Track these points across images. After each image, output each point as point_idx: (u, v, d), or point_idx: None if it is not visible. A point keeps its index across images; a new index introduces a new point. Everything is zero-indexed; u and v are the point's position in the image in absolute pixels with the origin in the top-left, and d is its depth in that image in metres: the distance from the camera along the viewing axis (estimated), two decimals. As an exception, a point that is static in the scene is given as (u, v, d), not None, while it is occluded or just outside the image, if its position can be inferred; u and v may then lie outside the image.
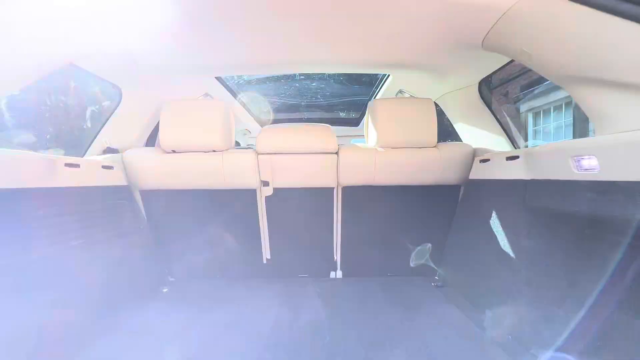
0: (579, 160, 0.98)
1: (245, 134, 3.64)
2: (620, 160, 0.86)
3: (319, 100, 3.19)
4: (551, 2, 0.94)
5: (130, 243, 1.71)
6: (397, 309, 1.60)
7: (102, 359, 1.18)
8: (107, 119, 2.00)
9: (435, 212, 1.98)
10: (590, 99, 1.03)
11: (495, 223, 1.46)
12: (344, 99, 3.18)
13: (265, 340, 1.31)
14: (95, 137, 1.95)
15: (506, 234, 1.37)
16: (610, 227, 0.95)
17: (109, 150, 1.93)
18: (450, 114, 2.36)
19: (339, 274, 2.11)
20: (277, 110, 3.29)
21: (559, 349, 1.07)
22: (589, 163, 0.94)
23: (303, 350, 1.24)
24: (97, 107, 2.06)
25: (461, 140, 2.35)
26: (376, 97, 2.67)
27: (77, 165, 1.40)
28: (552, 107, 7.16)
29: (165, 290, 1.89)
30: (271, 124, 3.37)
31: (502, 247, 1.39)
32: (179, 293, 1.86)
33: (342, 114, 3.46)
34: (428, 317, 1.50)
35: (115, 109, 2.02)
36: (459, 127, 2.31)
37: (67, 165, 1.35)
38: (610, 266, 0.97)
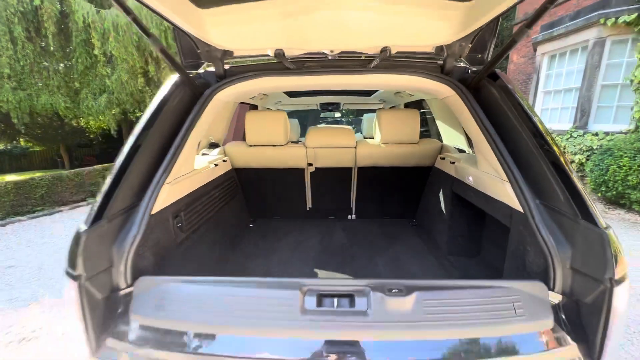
0: (468, 177, 2.11)
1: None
2: (478, 179, 2.00)
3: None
4: None
5: (236, 200, 3.01)
6: (385, 238, 2.92)
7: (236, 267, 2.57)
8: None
9: (415, 182, 3.17)
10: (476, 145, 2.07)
11: (441, 194, 2.66)
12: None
13: (318, 251, 2.66)
14: (202, 135, 3.09)
15: (444, 201, 2.58)
16: (479, 210, 2.13)
17: (213, 144, 3.08)
18: (433, 112, 3.34)
19: (354, 216, 3.42)
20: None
21: (462, 256, 2.42)
22: (470, 179, 2.08)
23: (337, 254, 2.58)
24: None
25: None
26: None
27: (217, 165, 2.60)
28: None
29: (251, 225, 3.26)
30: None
31: (442, 207, 2.61)
32: (260, 226, 3.23)
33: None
34: (402, 244, 2.81)
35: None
36: (439, 123, 3.31)
37: (214, 165, 2.55)
38: (481, 224, 2.24)
